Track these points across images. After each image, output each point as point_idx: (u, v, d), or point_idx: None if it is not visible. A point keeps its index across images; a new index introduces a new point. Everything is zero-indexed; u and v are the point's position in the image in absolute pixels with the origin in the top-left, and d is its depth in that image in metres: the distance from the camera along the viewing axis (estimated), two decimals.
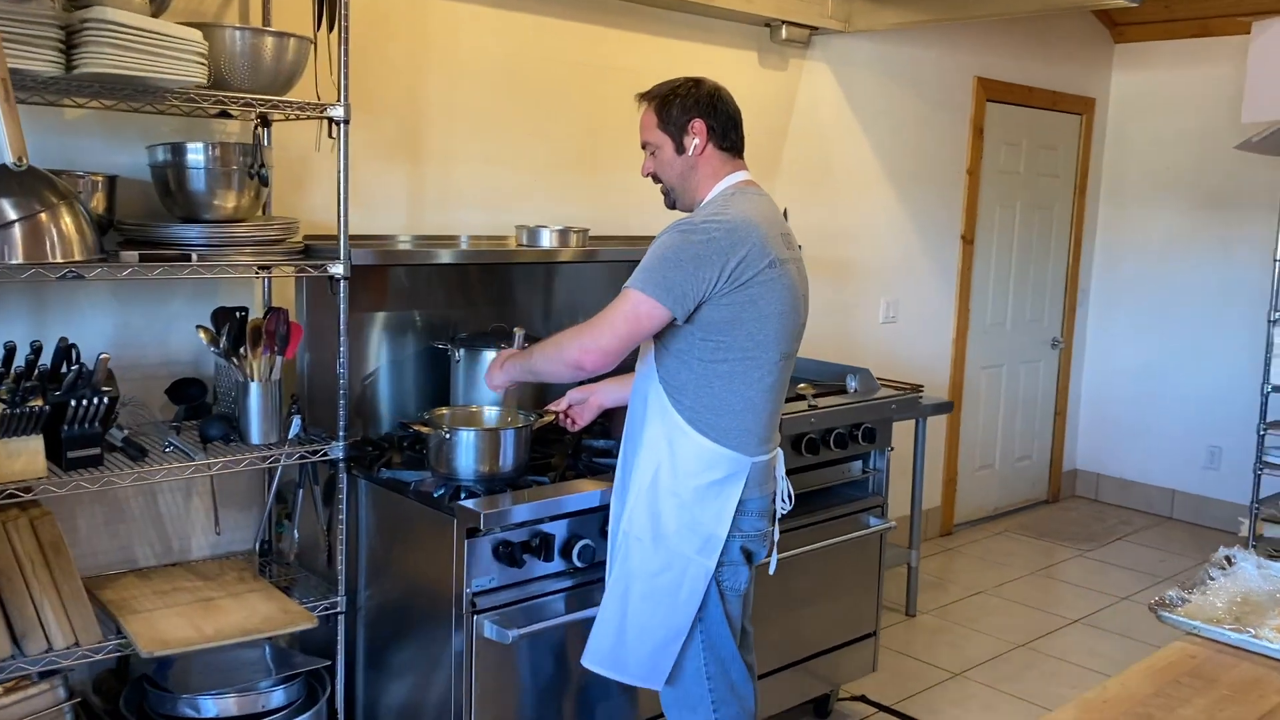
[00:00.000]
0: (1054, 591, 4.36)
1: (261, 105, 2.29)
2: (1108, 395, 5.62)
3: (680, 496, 2.13)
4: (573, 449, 2.69)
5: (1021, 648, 3.80)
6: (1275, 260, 3.92)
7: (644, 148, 2.26)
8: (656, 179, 2.27)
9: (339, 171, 2.39)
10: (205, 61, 2.11)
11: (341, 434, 2.49)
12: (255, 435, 2.44)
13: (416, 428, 2.41)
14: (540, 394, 2.74)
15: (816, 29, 3.87)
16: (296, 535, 2.60)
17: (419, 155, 3.01)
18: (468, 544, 2.23)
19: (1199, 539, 5.08)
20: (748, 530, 2.18)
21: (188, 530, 2.67)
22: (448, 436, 2.35)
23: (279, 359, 2.47)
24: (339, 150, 2.39)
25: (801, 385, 3.10)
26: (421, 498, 2.35)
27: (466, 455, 2.36)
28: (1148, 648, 3.75)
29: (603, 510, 2.35)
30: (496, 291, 3.09)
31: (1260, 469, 4.02)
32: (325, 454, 2.47)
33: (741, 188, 2.19)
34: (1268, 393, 3.98)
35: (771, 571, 2.38)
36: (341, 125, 2.38)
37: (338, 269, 2.43)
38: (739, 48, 3.78)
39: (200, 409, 2.58)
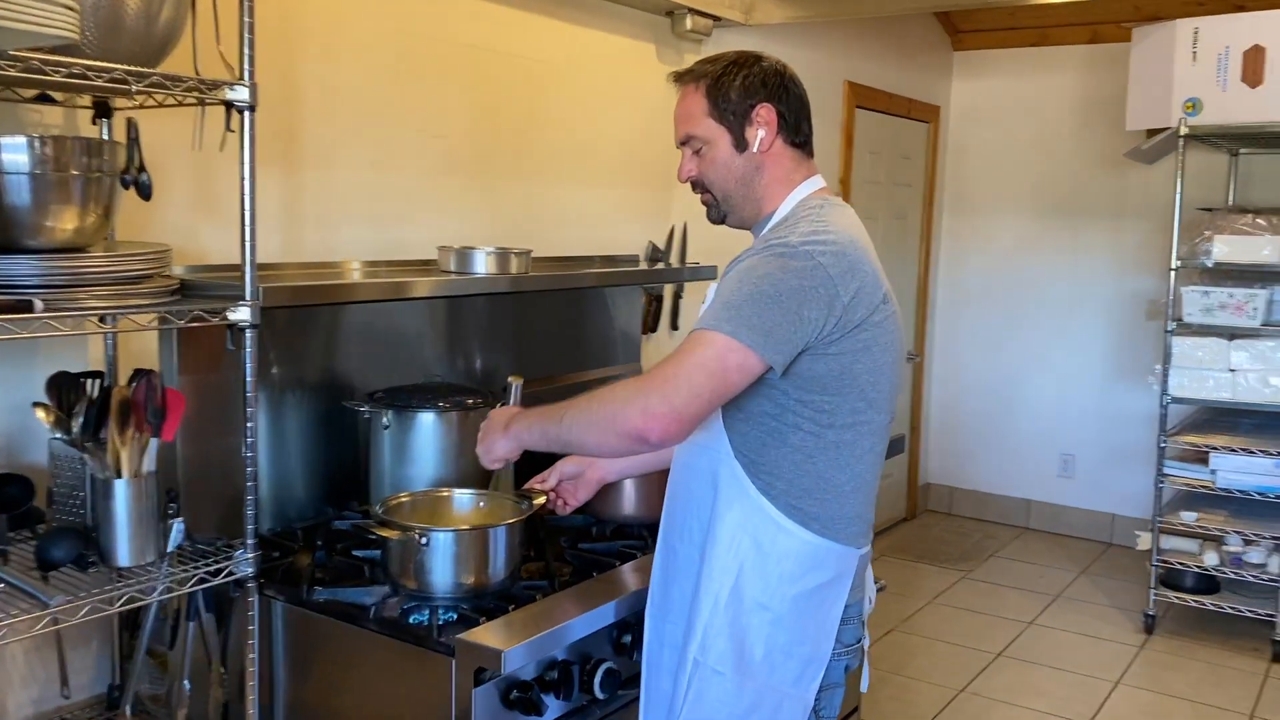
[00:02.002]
0: (963, 623, 4.14)
1: (139, 82, 1.56)
2: (958, 407, 5.54)
3: (773, 610, 1.60)
4: (544, 534, 2.09)
5: (966, 693, 3.51)
6: (1171, 269, 3.87)
7: (684, 145, 1.71)
8: (699, 186, 1.73)
9: (243, 179, 1.70)
10: (76, 7, 1.38)
11: (249, 541, 1.78)
12: (124, 554, 1.69)
13: (379, 531, 1.73)
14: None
15: (719, 19, 3.44)
16: (188, 689, 1.85)
17: (294, 158, 2.31)
18: (476, 693, 1.60)
19: (1064, 548, 5.06)
20: (849, 642, 1.68)
21: (10, 689, 1.86)
22: (422, 541, 1.70)
23: (154, 442, 1.74)
24: (243, 148, 1.69)
25: None
26: (392, 628, 1.70)
27: (445, 563, 1.73)
28: (1086, 679, 3.57)
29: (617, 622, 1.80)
30: (422, 332, 2.43)
31: (1161, 481, 3.96)
32: (230, 572, 1.76)
33: (825, 197, 1.69)
34: (1167, 404, 3.92)
35: (865, 688, 1.90)
36: (245, 113, 1.69)
37: (243, 314, 1.73)
38: (637, 38, 3.28)
39: (26, 517, 1.80)
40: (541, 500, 1.88)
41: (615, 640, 1.84)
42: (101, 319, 1.63)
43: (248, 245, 1.71)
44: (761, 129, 1.65)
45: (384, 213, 2.52)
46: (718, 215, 1.74)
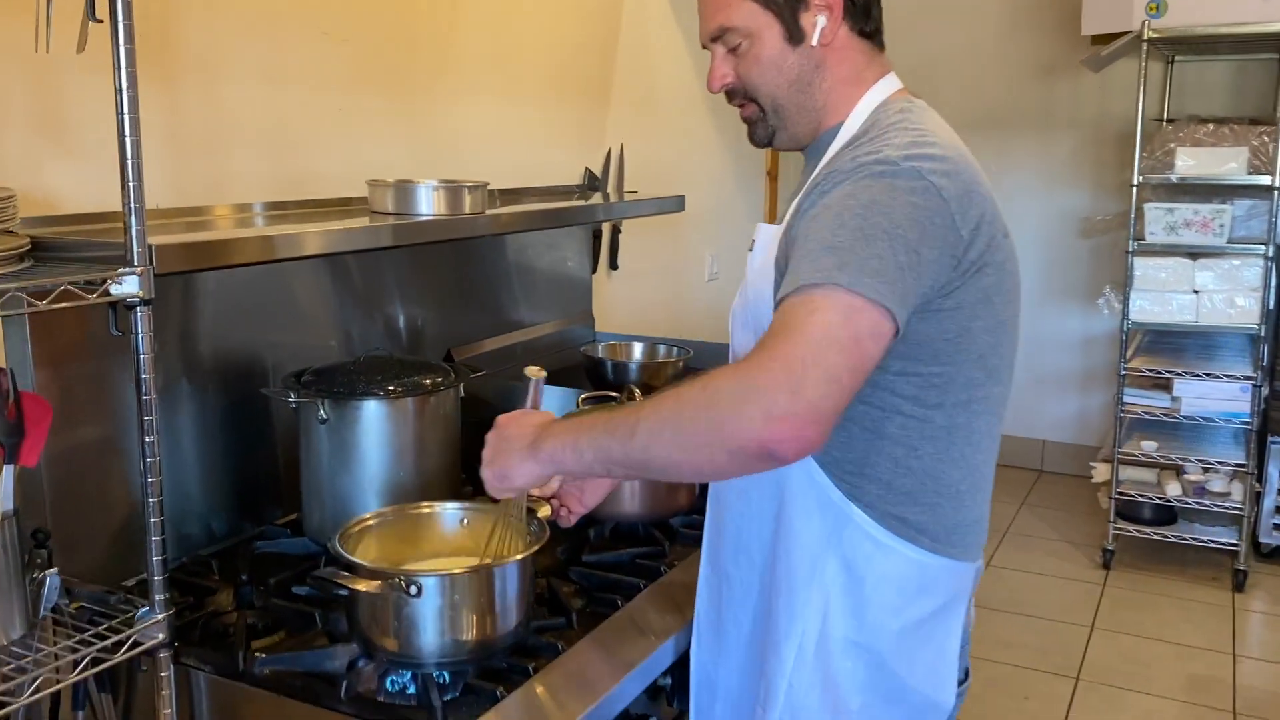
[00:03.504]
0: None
1: None
2: None
3: (873, 651, 1.21)
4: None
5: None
6: (1133, 186, 3.62)
7: (716, 41, 1.26)
8: (738, 94, 1.29)
9: (119, 90, 1.17)
10: None
11: (158, 597, 1.29)
12: None
13: (353, 584, 1.25)
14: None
15: None
16: None
17: (168, 67, 1.75)
18: None
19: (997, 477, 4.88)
20: (958, 672, 1.32)
21: None
22: (412, 592, 1.24)
23: (9, 470, 1.22)
24: (117, 45, 1.16)
25: None
26: (375, 710, 1.24)
27: (441, 617, 1.27)
28: (1057, 625, 3.36)
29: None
30: (346, 291, 1.93)
31: (1122, 411, 3.76)
32: (134, 642, 1.27)
33: (908, 100, 1.27)
34: (1128, 329, 3.71)
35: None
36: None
37: (130, 286, 1.21)
38: None
39: None
40: (546, 512, 1.43)
41: (651, 688, 1.43)
42: None
43: (132, 188, 1.19)
44: (821, 15, 1.22)
45: (282, 138, 1.98)
46: (765, 133, 1.30)
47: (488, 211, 1.86)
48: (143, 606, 1.32)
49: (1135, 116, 3.57)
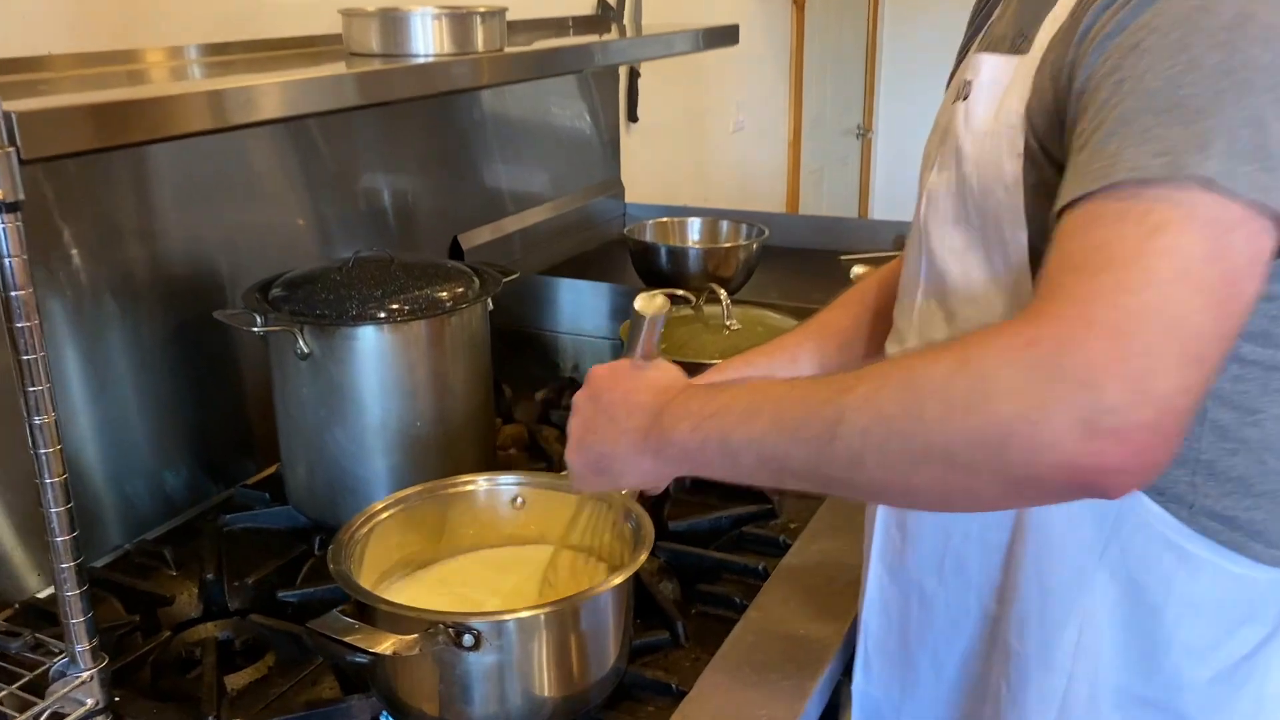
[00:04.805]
0: None
1: None
2: (908, 184, 4.80)
3: (1171, 712, 0.79)
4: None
5: None
6: None
7: None
8: None
9: None
10: None
11: (80, 648, 0.87)
12: None
13: (363, 642, 0.80)
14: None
15: None
16: None
17: None
18: None
19: None
20: None
21: None
22: (465, 642, 0.80)
23: None
24: None
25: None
26: None
27: (506, 676, 0.84)
28: None
29: None
30: (312, 166, 1.44)
31: None
32: (54, 716, 0.86)
33: None
34: None
35: None
36: None
37: None
38: None
39: None
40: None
41: None
42: None
43: None
44: None
45: None
46: None
47: (507, 49, 1.36)
48: (60, 656, 0.90)
49: None
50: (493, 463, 1.28)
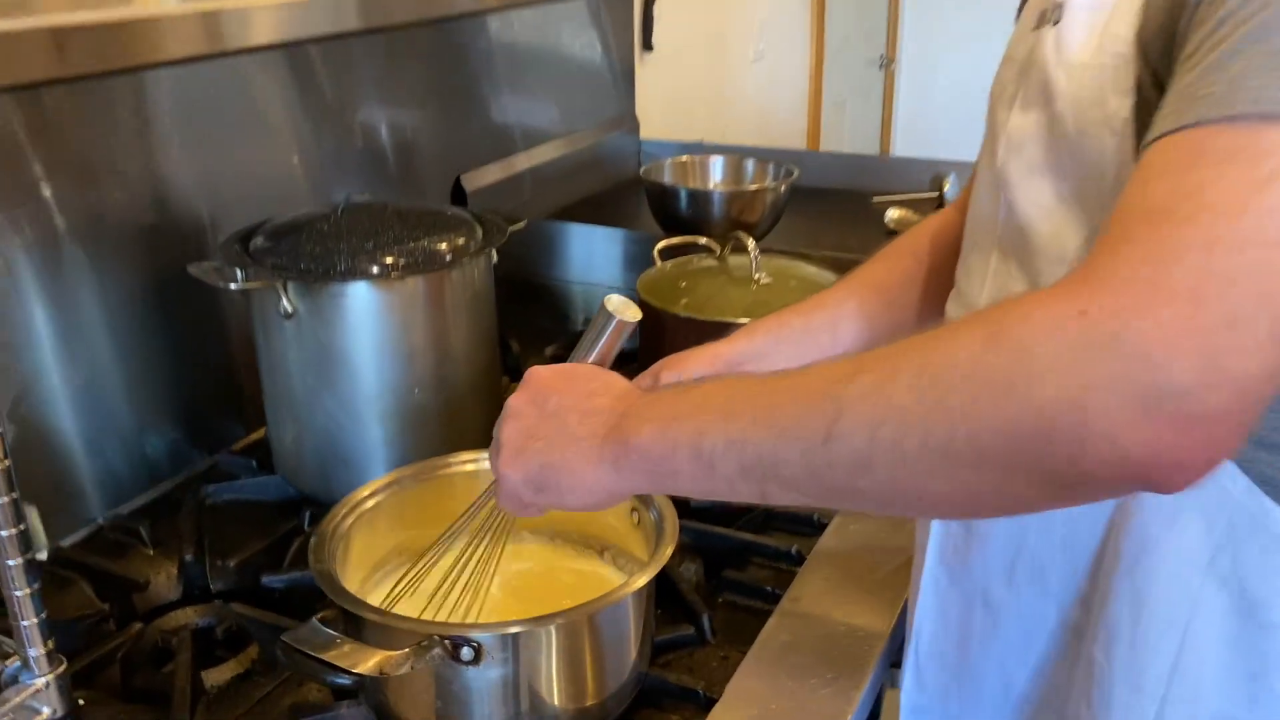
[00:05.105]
0: None
1: None
2: (933, 117, 4.62)
3: None
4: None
5: None
6: None
7: None
8: None
9: None
10: None
11: (33, 652, 0.77)
12: None
13: (336, 662, 0.68)
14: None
15: None
16: None
17: None
18: None
19: None
20: None
21: None
22: (464, 659, 0.70)
23: None
24: None
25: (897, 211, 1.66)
26: None
27: (513, 690, 0.74)
28: None
29: None
30: (295, 102, 1.32)
31: None
32: None
33: None
34: None
35: None
36: None
37: None
38: None
39: None
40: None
41: None
42: None
43: None
44: None
45: None
46: None
47: None
48: (10, 659, 0.81)
49: None
50: None
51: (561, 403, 0.67)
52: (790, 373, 0.58)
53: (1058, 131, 0.66)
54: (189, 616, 0.99)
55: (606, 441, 0.63)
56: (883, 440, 0.51)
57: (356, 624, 0.73)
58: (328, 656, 0.65)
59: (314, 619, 0.70)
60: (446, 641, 0.69)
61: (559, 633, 0.72)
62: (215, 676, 0.91)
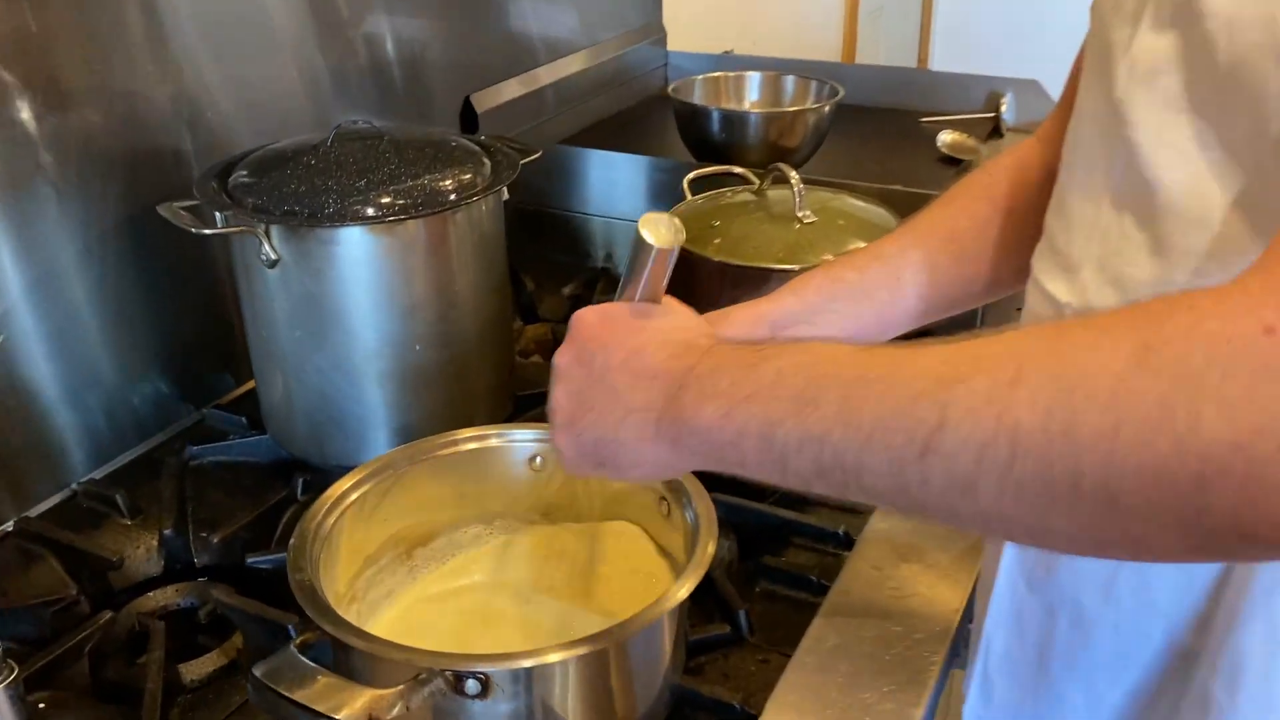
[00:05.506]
0: None
1: None
2: (966, 28, 4.38)
3: None
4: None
5: None
6: None
7: None
8: None
9: None
10: None
11: None
12: None
13: (315, 706, 0.57)
14: None
15: None
16: None
17: None
18: None
19: None
20: None
21: None
22: (470, 692, 0.60)
23: None
24: None
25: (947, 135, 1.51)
26: None
27: None
28: None
29: None
30: (309, 9, 1.18)
31: None
32: None
33: None
34: None
35: None
36: None
37: None
38: None
39: None
40: None
41: None
42: None
43: None
44: None
45: None
46: None
47: None
48: None
49: None
50: (510, 389, 1.06)
51: (609, 361, 0.59)
52: (882, 354, 0.48)
53: (1205, 59, 0.52)
54: (169, 596, 0.90)
55: (664, 418, 0.55)
56: (992, 463, 0.41)
57: (344, 649, 0.62)
58: (301, 697, 0.55)
59: (292, 646, 0.59)
60: (448, 673, 0.58)
61: (582, 663, 0.62)
62: (195, 670, 0.82)
